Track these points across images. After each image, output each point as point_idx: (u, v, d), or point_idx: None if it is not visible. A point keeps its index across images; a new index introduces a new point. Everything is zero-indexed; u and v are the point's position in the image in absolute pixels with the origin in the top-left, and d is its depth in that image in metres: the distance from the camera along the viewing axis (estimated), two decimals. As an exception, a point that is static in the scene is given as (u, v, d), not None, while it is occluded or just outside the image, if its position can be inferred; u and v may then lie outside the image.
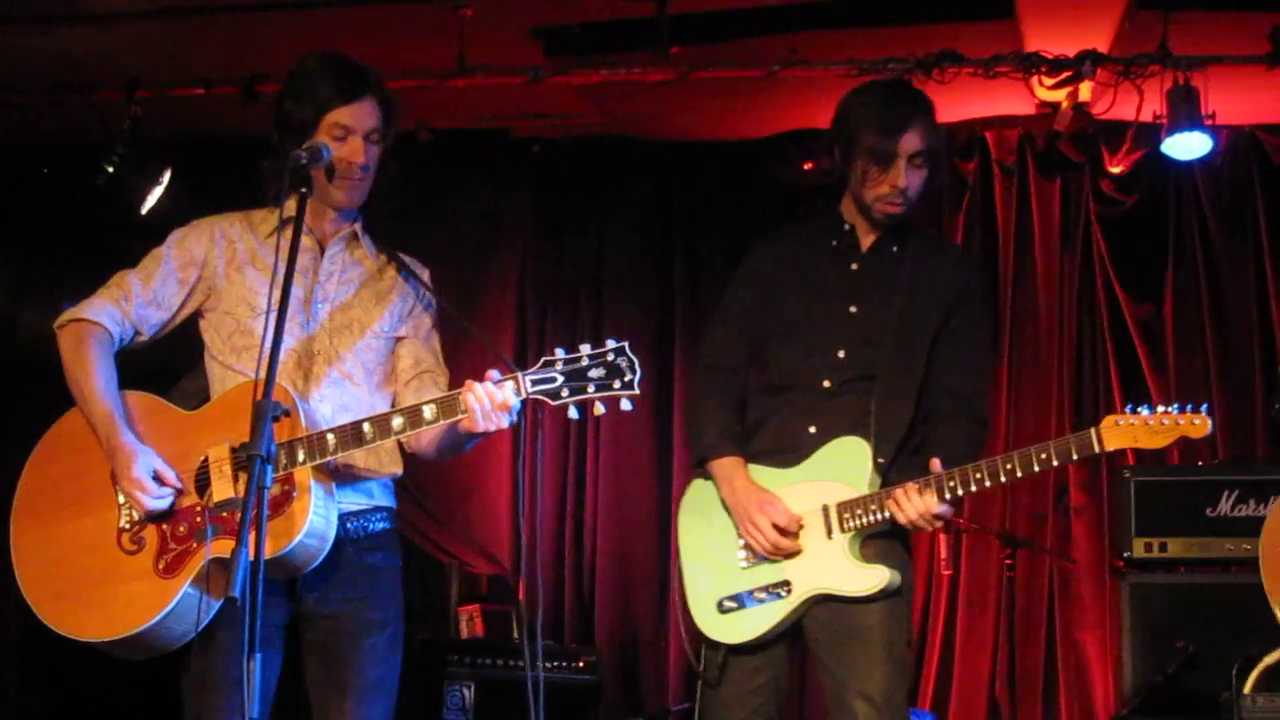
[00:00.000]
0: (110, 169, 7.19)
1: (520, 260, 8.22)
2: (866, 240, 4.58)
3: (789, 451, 4.48)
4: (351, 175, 4.09)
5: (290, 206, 3.91)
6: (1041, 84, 6.87)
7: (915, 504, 4.21)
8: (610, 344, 3.74)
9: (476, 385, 3.78)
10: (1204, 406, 4.04)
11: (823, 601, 4.36)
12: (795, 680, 4.63)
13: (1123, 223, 7.56)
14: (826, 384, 4.47)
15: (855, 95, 4.59)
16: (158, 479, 3.93)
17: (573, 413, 3.76)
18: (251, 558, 3.26)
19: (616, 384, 3.71)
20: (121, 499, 4.01)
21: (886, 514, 4.26)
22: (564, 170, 8.20)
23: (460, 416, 3.80)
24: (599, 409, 3.74)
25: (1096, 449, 4.08)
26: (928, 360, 4.46)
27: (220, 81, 7.10)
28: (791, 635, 4.46)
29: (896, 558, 4.39)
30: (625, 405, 3.74)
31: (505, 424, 3.81)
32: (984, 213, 7.68)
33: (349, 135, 4.05)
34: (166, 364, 4.38)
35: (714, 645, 4.50)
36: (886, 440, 4.37)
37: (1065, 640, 7.33)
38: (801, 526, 4.38)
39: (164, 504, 3.93)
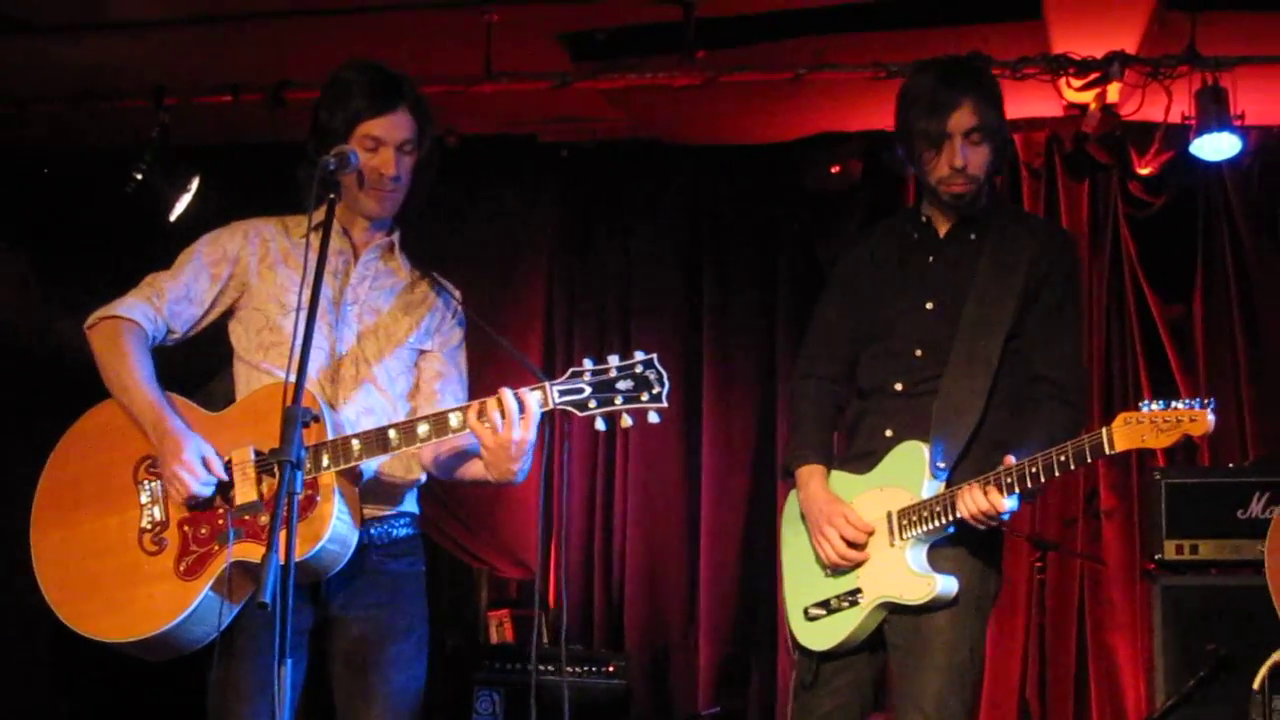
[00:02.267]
0: (139, 176, 7.22)
1: (547, 265, 8.22)
2: (944, 228, 4.51)
3: (869, 456, 4.45)
4: (382, 186, 4.11)
5: (319, 212, 3.94)
6: (1069, 85, 6.86)
7: (966, 503, 4.13)
8: (639, 356, 3.74)
9: (505, 390, 3.79)
10: (1210, 402, 3.93)
11: (898, 610, 4.31)
12: (879, 686, 4.58)
13: (1151, 224, 7.52)
14: (899, 387, 4.43)
15: (909, 79, 4.50)
16: (205, 466, 3.93)
17: (599, 424, 3.76)
18: (281, 563, 3.26)
19: (644, 396, 3.70)
20: (144, 498, 4.02)
21: (946, 519, 4.19)
22: (591, 175, 8.20)
23: (487, 425, 3.80)
24: (626, 421, 3.73)
25: (1108, 450, 3.98)
26: (1008, 349, 4.35)
27: (248, 88, 7.13)
28: (876, 641, 4.41)
29: (968, 566, 4.31)
30: (653, 418, 3.73)
31: (517, 436, 3.78)
32: (1012, 215, 7.65)
33: (380, 146, 4.07)
34: (191, 370, 4.39)
35: (808, 652, 4.48)
36: (948, 442, 4.29)
37: (1096, 643, 7.29)
38: (871, 534, 4.34)
39: (209, 490, 3.92)
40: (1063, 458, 4.03)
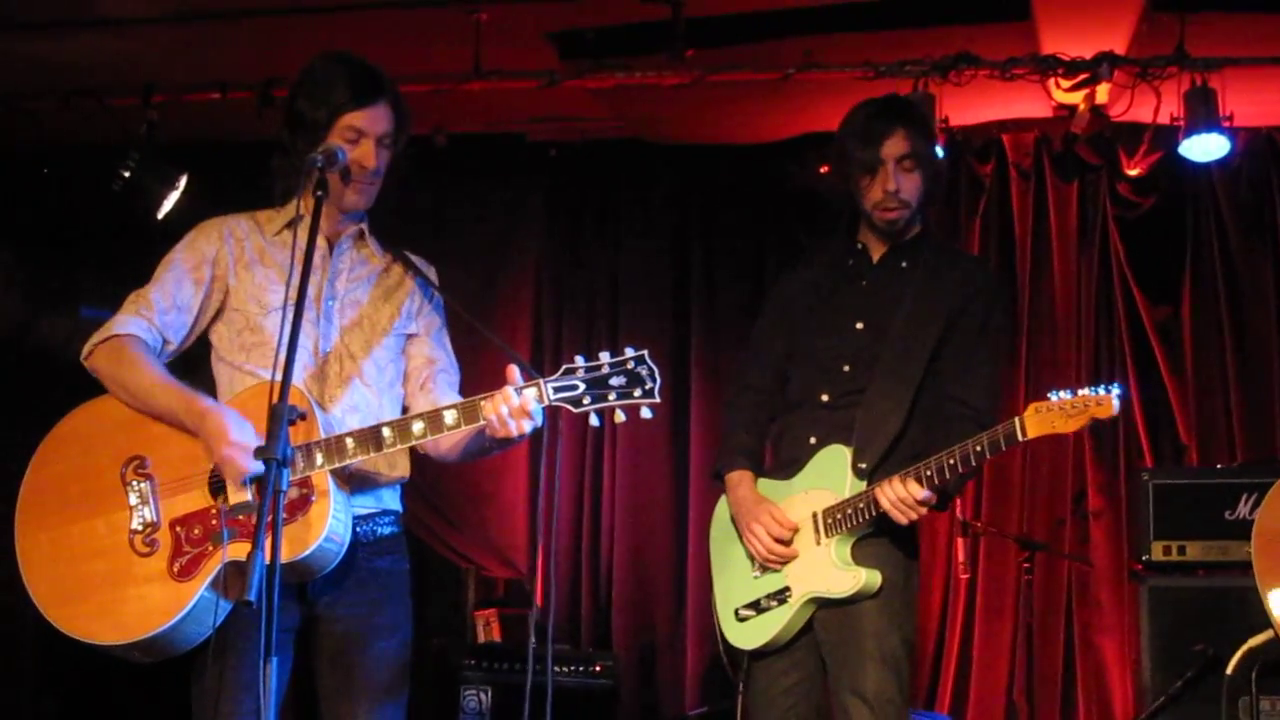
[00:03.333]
0: (126, 174, 7.20)
1: (536, 265, 8.22)
2: (877, 255, 4.75)
3: (793, 464, 4.66)
4: (363, 179, 4.09)
5: (300, 206, 3.90)
6: (1058, 86, 6.86)
7: (885, 492, 4.34)
8: (630, 352, 3.77)
9: (497, 392, 3.79)
10: (1115, 387, 4.10)
11: (826, 605, 4.50)
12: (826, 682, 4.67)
13: (1140, 225, 7.54)
14: (825, 398, 4.64)
15: (847, 115, 4.76)
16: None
17: (594, 420, 3.80)
18: (268, 561, 3.25)
19: (637, 392, 3.75)
20: (133, 499, 3.98)
21: (868, 514, 4.39)
22: (580, 174, 8.21)
23: (483, 423, 3.81)
24: (620, 417, 3.77)
25: (1020, 437, 4.17)
26: (930, 370, 4.57)
27: (236, 86, 7.12)
28: (810, 637, 4.58)
29: (890, 559, 4.51)
30: (646, 413, 3.77)
31: (528, 430, 3.82)
32: (1001, 215, 7.67)
33: (361, 139, 4.05)
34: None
35: (739, 652, 4.66)
36: (870, 446, 4.50)
37: (1083, 644, 7.30)
38: (796, 531, 4.55)
39: (258, 469, 3.76)
40: (978, 448, 4.23)
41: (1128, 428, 7.37)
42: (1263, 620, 5.07)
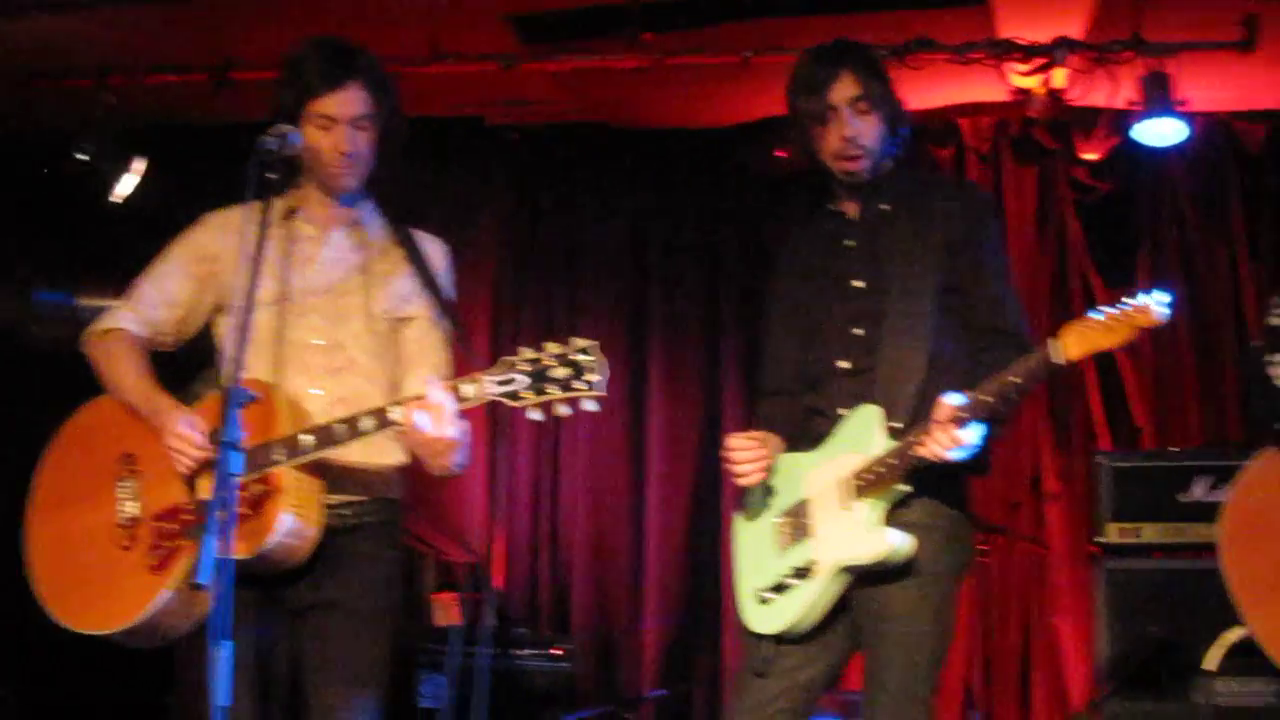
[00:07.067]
0: (82, 156, 7.15)
1: (496, 249, 8.20)
2: (853, 210, 4.44)
3: (822, 436, 4.33)
4: (339, 164, 4.04)
5: (281, 201, 3.94)
6: (1015, 71, 6.88)
7: (935, 441, 3.96)
8: (576, 342, 3.62)
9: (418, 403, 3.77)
10: (1161, 292, 3.72)
11: (861, 581, 4.17)
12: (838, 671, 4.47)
13: (1097, 209, 7.57)
14: (843, 364, 4.32)
15: (791, 70, 4.44)
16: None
17: (533, 414, 3.66)
18: (218, 545, 3.25)
19: (580, 385, 3.59)
20: (120, 494, 4.01)
21: (899, 471, 4.05)
22: (539, 158, 8.18)
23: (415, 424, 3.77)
24: (562, 410, 3.63)
25: (1061, 360, 3.80)
26: (944, 303, 4.26)
27: (192, 68, 7.08)
28: (838, 627, 4.27)
29: (927, 535, 4.15)
30: (590, 406, 3.63)
31: (434, 433, 3.75)
32: (959, 199, 7.67)
33: (333, 125, 4.00)
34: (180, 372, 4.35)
35: (761, 637, 4.32)
36: (897, 403, 4.17)
37: (1040, 626, 7.33)
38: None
39: (206, 453, 3.81)
40: (1014, 379, 3.89)
41: (1084, 410, 7.41)
42: (1218, 604, 5.08)
